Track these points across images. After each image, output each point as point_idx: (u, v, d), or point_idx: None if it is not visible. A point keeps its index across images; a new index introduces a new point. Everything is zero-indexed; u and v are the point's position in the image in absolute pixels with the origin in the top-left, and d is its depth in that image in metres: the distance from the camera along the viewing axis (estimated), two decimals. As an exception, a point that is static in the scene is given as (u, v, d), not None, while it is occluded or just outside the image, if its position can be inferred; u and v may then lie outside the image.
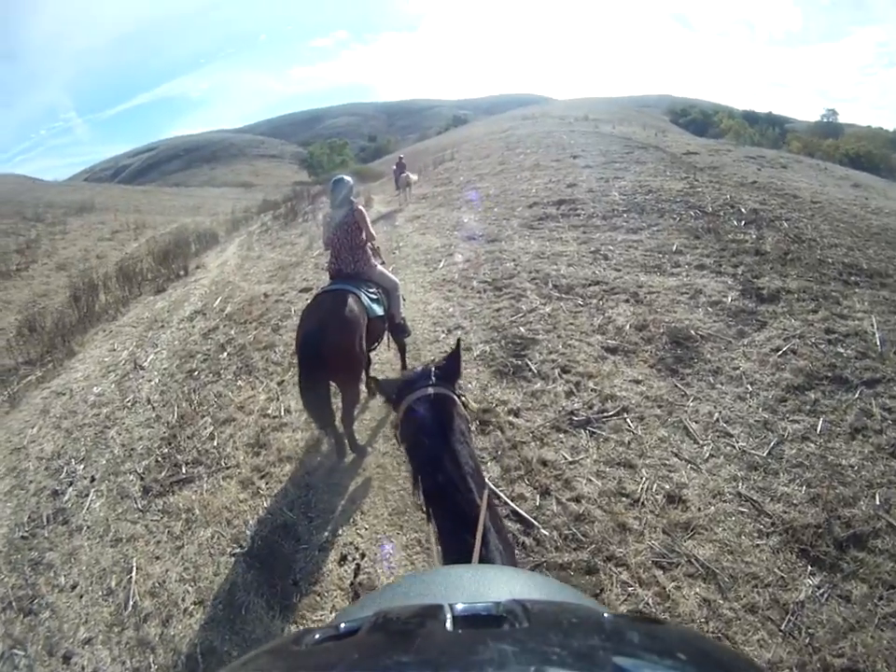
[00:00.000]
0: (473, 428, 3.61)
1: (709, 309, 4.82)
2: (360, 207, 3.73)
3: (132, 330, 7.09)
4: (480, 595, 0.59)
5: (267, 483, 3.51)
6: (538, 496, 3.06)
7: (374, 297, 3.58)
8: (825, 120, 73.30)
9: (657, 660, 0.37)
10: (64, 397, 5.42)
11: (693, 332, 4.43)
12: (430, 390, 1.18)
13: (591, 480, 3.12)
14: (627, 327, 4.66)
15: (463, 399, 1.27)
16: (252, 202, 24.16)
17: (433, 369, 1.26)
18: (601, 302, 5.21)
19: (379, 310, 3.56)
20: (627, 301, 5.17)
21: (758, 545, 2.61)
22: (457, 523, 0.97)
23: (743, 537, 2.66)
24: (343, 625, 0.46)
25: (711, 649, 0.46)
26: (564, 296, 5.46)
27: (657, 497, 2.94)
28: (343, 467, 3.55)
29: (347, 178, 3.79)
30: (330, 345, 3.07)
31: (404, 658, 0.37)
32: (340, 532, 3.05)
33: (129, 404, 4.93)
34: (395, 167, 14.31)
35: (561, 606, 0.53)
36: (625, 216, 7.83)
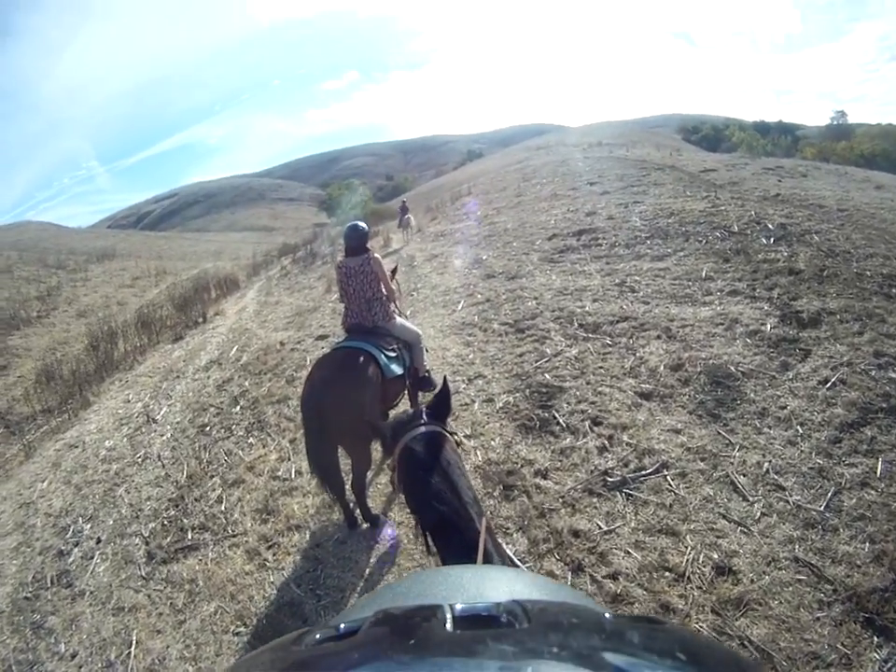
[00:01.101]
0: (497, 493, 3.33)
1: (748, 340, 4.47)
2: (377, 255, 3.49)
3: (147, 380, 7.02)
4: (480, 596, 0.59)
5: (274, 555, 3.25)
6: (569, 573, 2.72)
7: (393, 354, 3.30)
8: (835, 123, 72.82)
9: (657, 660, 0.38)
10: (77, 450, 5.31)
11: (732, 369, 4.08)
12: (424, 428, 1.21)
13: (629, 552, 2.76)
14: (661, 367, 4.32)
15: (456, 437, 1.30)
16: (272, 245, 24.59)
17: (424, 408, 1.30)
18: (631, 341, 4.88)
19: (398, 369, 3.29)
20: (659, 337, 4.83)
21: (818, 618, 2.26)
22: (462, 551, 0.96)
23: (801, 610, 2.31)
24: (342, 625, 0.46)
25: (710, 649, 0.46)
26: (591, 336, 5.15)
27: (704, 569, 2.59)
28: (355, 538, 3.26)
29: (362, 225, 3.56)
30: (334, 410, 2.81)
31: (404, 658, 0.38)
32: (350, 612, 2.75)
33: (139, 460, 4.78)
34: (399, 210, 16.03)
35: (561, 606, 0.53)
36: (649, 242, 7.52)
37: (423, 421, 1.24)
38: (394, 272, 3.97)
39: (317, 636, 0.46)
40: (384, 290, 3.50)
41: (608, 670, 0.35)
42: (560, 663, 0.36)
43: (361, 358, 3.04)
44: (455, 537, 1.01)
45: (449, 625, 0.43)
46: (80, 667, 2.75)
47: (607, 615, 0.46)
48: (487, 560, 0.93)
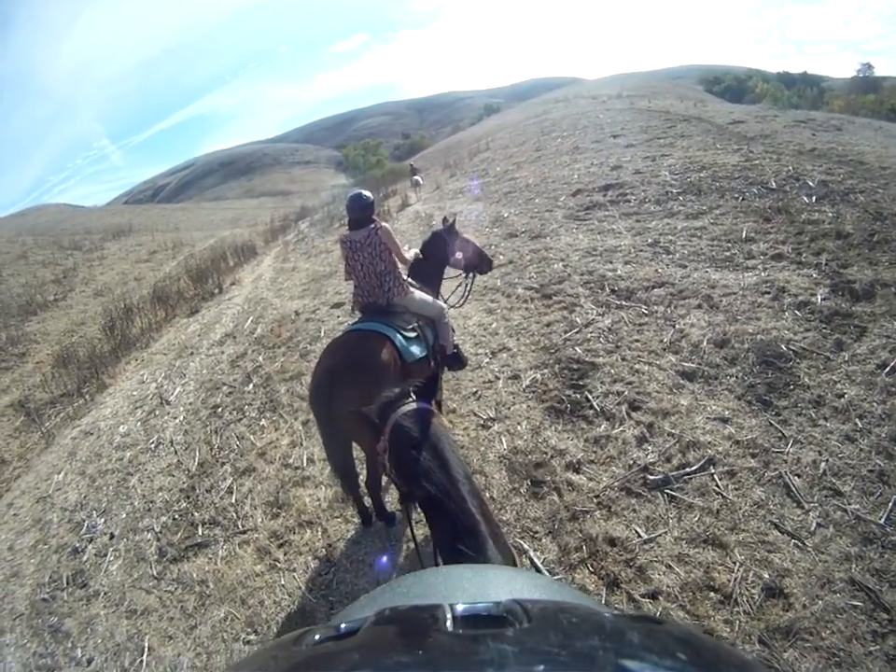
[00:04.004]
0: (524, 490, 3.06)
1: (797, 313, 4.09)
2: (385, 225, 3.12)
3: (162, 358, 6.90)
4: (480, 595, 0.59)
5: (285, 555, 3.07)
6: (604, 588, 2.45)
7: (413, 335, 2.96)
8: (861, 76, 68.93)
9: (657, 660, 0.37)
10: (92, 437, 5.20)
11: (784, 347, 3.70)
12: (414, 405, 1.20)
13: (671, 566, 2.47)
14: (704, 342, 3.95)
15: (442, 418, 1.28)
16: (290, 209, 24.40)
17: (410, 388, 1.27)
18: (669, 310, 4.51)
19: (419, 351, 2.95)
20: (700, 306, 4.46)
21: (871, 652, 1.98)
22: (452, 533, 0.95)
23: (854, 641, 2.03)
24: (343, 625, 0.46)
25: (711, 648, 0.45)
26: (624, 303, 4.79)
27: (753, 590, 2.29)
28: (370, 538, 3.04)
29: (366, 194, 3.18)
30: (345, 404, 2.46)
31: (404, 658, 0.37)
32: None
33: (152, 446, 4.65)
34: (410, 172, 17.19)
35: (561, 606, 0.52)
36: (681, 198, 7.08)
37: (412, 399, 1.22)
38: (453, 227, 3.62)
39: (317, 636, 0.45)
40: (396, 262, 3.15)
41: (608, 670, 0.35)
42: (560, 662, 0.35)
43: (374, 343, 2.72)
44: (446, 516, 1.00)
45: (449, 625, 0.42)
46: (96, 674, 2.63)
47: (606, 615, 0.45)
48: (483, 545, 0.92)
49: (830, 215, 5.67)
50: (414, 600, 0.58)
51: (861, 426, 3.01)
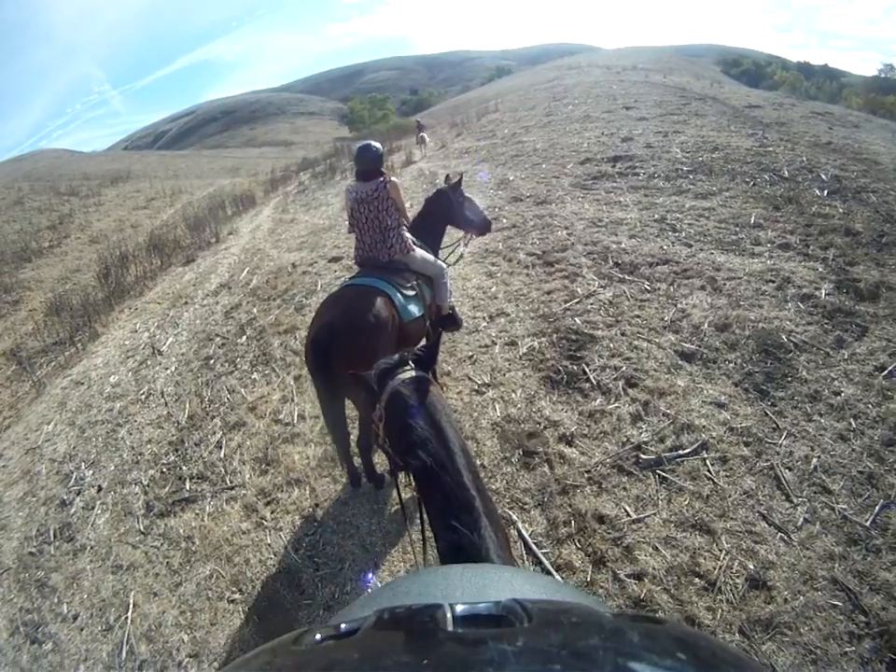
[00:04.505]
0: (515, 460, 3.04)
1: (801, 305, 4.04)
2: (394, 179, 3.02)
3: (156, 308, 6.81)
4: (480, 595, 0.58)
5: (272, 513, 3.06)
6: (589, 566, 2.45)
7: (411, 293, 2.91)
8: (882, 76, 67.50)
9: (657, 660, 0.37)
10: (82, 386, 5.16)
11: (784, 338, 3.67)
12: (412, 373, 1.17)
13: (658, 549, 2.47)
14: (706, 325, 3.89)
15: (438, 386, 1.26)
16: (292, 160, 24.04)
17: (409, 356, 1.24)
18: (672, 288, 4.44)
19: (416, 311, 2.90)
20: (703, 288, 4.40)
21: (846, 652, 2.01)
22: (446, 507, 0.93)
23: (831, 640, 2.05)
24: (342, 625, 0.46)
25: (710, 648, 0.45)
26: (627, 277, 4.71)
27: (738, 580, 2.30)
28: (358, 500, 3.03)
29: (375, 145, 3.07)
30: (340, 360, 2.44)
31: (404, 658, 0.38)
32: (348, 588, 2.56)
33: (143, 397, 4.61)
34: (416, 128, 16.92)
35: (561, 605, 0.53)
36: (691, 177, 6.94)
37: (410, 367, 1.19)
38: (458, 185, 3.52)
39: (317, 636, 0.45)
40: (401, 219, 3.06)
41: (608, 670, 0.35)
42: (560, 662, 0.35)
43: (373, 299, 2.65)
44: (440, 490, 0.97)
45: (449, 625, 0.42)
46: (82, 629, 2.67)
47: (606, 614, 0.45)
48: (478, 521, 0.89)
49: (840, 210, 5.58)
50: (414, 600, 0.58)
51: (854, 426, 2.99)
